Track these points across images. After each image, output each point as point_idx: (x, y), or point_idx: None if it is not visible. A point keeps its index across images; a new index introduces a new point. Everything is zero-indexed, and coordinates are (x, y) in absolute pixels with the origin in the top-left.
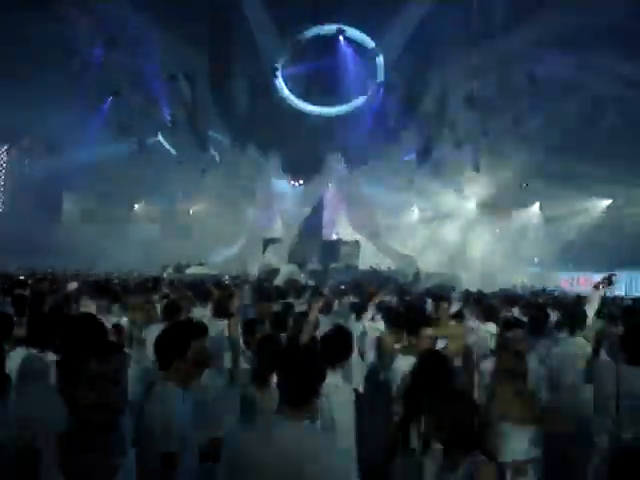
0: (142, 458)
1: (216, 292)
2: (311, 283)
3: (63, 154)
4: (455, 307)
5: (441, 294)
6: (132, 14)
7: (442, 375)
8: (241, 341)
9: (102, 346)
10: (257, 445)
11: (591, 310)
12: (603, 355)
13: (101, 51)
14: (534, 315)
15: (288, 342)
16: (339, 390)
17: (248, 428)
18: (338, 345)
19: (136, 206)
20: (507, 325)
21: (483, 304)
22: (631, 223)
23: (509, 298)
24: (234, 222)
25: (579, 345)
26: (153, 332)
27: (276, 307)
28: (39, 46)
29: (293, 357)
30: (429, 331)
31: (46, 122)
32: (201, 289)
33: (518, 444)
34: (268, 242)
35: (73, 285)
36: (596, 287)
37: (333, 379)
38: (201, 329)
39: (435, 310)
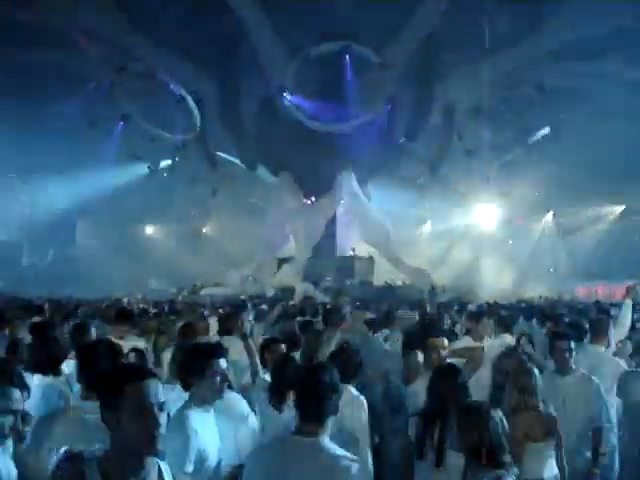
0: None
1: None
2: (326, 300)
3: (76, 181)
4: None
5: (482, 310)
6: (141, 39)
7: (457, 388)
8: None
9: (140, 371)
10: (277, 465)
11: (623, 320)
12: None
13: (111, 77)
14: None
15: (304, 360)
16: (352, 403)
17: (268, 448)
18: (345, 361)
19: (149, 228)
20: (555, 335)
21: (500, 316)
22: None
23: (526, 310)
24: (247, 242)
25: (598, 354)
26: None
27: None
28: (48, 74)
29: (309, 375)
30: (439, 342)
31: (58, 149)
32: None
33: (539, 461)
34: (282, 261)
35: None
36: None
37: (345, 394)
38: (220, 349)
39: (474, 326)
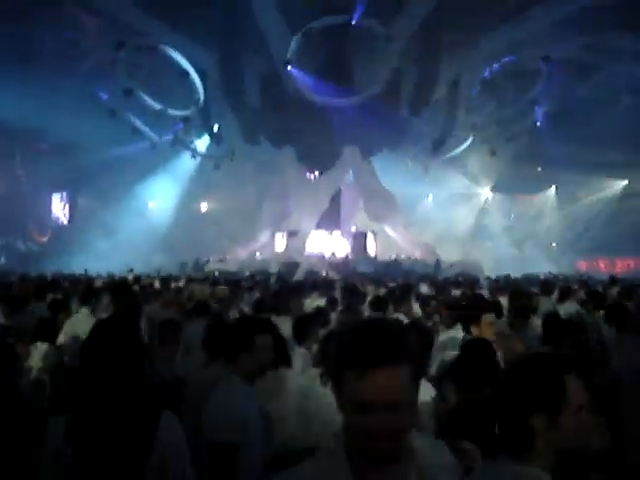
0: (198, 450)
1: None
2: (332, 275)
3: (78, 154)
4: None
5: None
6: (142, 14)
7: (492, 362)
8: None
9: None
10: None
11: None
12: None
13: (112, 51)
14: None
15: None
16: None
17: None
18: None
19: (150, 203)
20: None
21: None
22: None
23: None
24: (251, 216)
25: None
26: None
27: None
28: (51, 48)
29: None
30: (489, 318)
31: (60, 123)
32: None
33: None
34: (287, 235)
35: None
36: None
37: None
38: (267, 325)
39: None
